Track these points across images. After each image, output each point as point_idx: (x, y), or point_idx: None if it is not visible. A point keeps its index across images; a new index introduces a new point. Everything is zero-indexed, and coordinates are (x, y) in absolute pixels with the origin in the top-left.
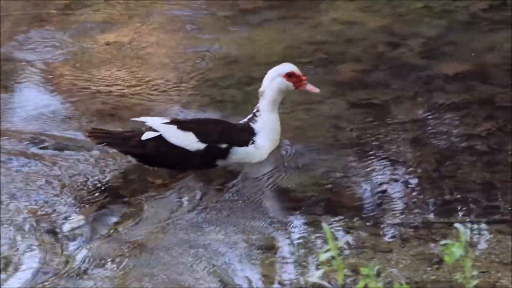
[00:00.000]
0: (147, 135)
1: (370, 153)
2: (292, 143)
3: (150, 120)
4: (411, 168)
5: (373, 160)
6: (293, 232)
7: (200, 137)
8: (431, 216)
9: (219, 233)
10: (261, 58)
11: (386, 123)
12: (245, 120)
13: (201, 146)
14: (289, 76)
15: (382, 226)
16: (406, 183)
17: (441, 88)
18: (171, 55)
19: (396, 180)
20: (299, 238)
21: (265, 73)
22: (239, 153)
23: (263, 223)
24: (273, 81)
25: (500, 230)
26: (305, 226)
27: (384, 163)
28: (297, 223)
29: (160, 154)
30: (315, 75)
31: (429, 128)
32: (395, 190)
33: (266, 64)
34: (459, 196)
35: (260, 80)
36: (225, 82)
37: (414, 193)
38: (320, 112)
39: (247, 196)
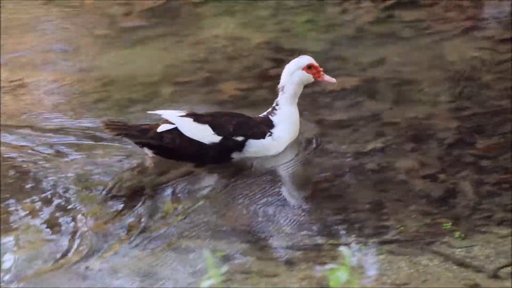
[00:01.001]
0: (163, 128)
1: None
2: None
3: (166, 113)
4: (299, 189)
5: (260, 181)
6: None
7: (216, 130)
8: (319, 237)
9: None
10: (141, 78)
11: None
12: (265, 113)
13: (217, 138)
14: (309, 68)
15: (269, 249)
16: (293, 204)
17: (328, 105)
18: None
19: (283, 201)
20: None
21: (146, 94)
22: (255, 146)
23: None
24: (294, 74)
25: (391, 251)
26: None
27: (270, 184)
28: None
29: (176, 147)
30: (198, 94)
31: (317, 146)
32: (283, 212)
33: (146, 84)
34: (348, 216)
35: (140, 101)
36: (101, 105)
37: (303, 214)
38: None
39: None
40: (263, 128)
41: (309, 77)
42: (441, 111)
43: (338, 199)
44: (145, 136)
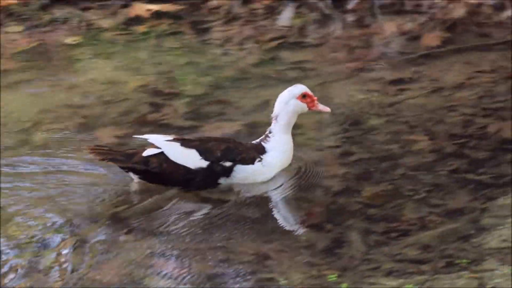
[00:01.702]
0: (149, 152)
1: None
2: None
3: (152, 137)
4: (176, 241)
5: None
6: None
7: (203, 155)
8: None
9: None
10: (12, 124)
11: None
12: (257, 140)
13: (204, 163)
14: (303, 97)
15: None
16: (170, 256)
17: None
18: None
19: (161, 254)
20: None
21: (16, 142)
22: (243, 172)
23: None
24: (288, 103)
25: None
26: None
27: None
28: None
29: (162, 171)
30: (72, 141)
31: None
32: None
33: (17, 131)
34: (230, 267)
35: (9, 148)
36: None
37: (183, 267)
38: (73, 180)
39: None
40: (253, 153)
41: (303, 106)
42: (327, 157)
43: (220, 250)
44: (130, 160)
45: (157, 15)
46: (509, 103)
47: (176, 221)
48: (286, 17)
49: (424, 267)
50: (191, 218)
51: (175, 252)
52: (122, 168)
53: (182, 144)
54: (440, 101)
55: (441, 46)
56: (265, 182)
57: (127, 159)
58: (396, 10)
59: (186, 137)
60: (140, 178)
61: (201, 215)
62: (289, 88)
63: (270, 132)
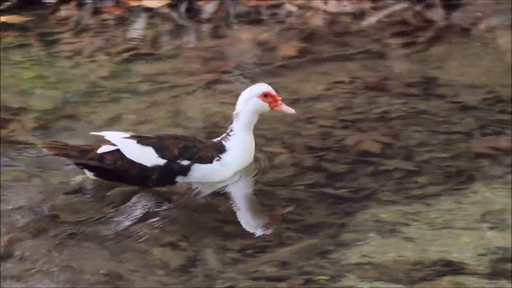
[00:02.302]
0: (104, 149)
1: None
2: None
3: (109, 134)
4: None
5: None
6: None
7: (160, 153)
8: None
9: None
10: None
11: None
12: (218, 138)
13: (161, 161)
14: (265, 96)
15: None
16: None
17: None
18: None
19: None
20: None
21: None
22: (201, 171)
23: None
24: (249, 102)
25: None
26: None
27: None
28: None
29: (117, 169)
30: None
31: None
32: None
33: None
34: None
35: None
36: None
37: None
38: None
39: None
40: (212, 152)
41: (264, 106)
42: None
43: (65, 271)
44: (85, 157)
45: (3, 27)
46: (368, 114)
47: None
48: (138, 28)
49: (281, 285)
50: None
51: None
52: (76, 164)
53: (138, 142)
54: (298, 113)
55: (298, 57)
56: (223, 181)
57: (81, 155)
58: (252, 19)
59: (144, 134)
60: (95, 175)
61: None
62: (251, 87)
63: (231, 131)
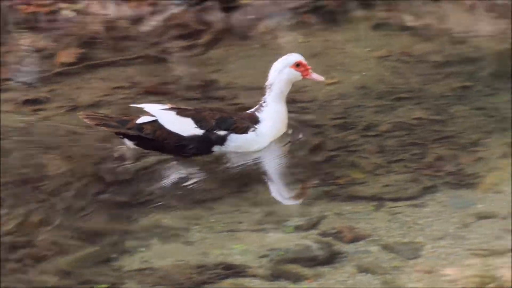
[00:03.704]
0: (143, 119)
1: None
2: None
3: (148, 106)
4: None
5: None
6: None
7: (198, 123)
8: None
9: None
10: None
11: None
12: (252, 110)
13: (199, 132)
14: (297, 65)
15: None
16: None
17: None
18: None
19: None
20: None
21: None
22: (237, 140)
23: None
24: (282, 72)
25: None
26: None
27: None
28: None
29: (156, 138)
30: None
31: None
32: None
33: None
34: None
35: None
36: None
37: None
38: None
39: None
40: (247, 123)
41: (297, 75)
42: None
43: None
44: (124, 126)
45: None
46: None
47: None
48: None
49: None
50: None
51: None
52: (116, 134)
53: (178, 113)
54: (78, 120)
55: (77, 63)
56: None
57: (121, 125)
58: (30, 26)
59: (182, 106)
60: (134, 144)
61: None
62: (283, 57)
63: (264, 102)
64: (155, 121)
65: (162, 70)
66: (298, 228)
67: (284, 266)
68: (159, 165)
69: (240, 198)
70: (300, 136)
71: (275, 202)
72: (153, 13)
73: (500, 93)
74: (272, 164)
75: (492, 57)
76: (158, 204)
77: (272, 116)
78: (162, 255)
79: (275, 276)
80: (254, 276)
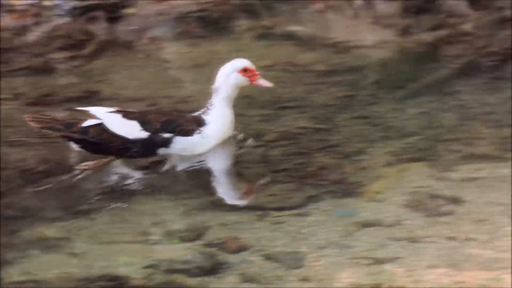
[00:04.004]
0: (88, 122)
1: None
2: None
3: (94, 109)
4: None
5: None
6: None
7: (144, 126)
8: None
9: None
10: None
11: None
12: (198, 112)
13: (144, 134)
14: (244, 70)
15: None
16: None
17: None
18: None
19: None
20: None
21: None
22: (182, 143)
23: None
24: (229, 76)
25: None
26: None
27: None
28: None
29: (101, 141)
30: None
31: None
32: None
33: None
34: None
35: None
36: None
37: None
38: None
39: None
40: (192, 126)
41: (244, 80)
42: None
43: None
44: (69, 130)
45: None
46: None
47: None
48: None
49: None
50: None
51: None
52: (62, 137)
53: (123, 116)
54: None
55: None
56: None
57: (66, 128)
58: None
59: (128, 109)
60: (80, 147)
61: None
62: (231, 62)
63: (210, 105)
64: (100, 124)
65: (47, 81)
66: (183, 239)
67: (168, 276)
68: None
69: (125, 209)
70: None
71: (161, 212)
72: (37, 24)
73: (384, 102)
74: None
75: (375, 66)
76: (40, 215)
77: (218, 119)
78: (46, 267)
79: (160, 287)
80: (138, 287)
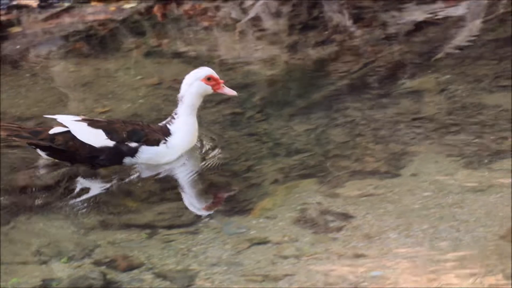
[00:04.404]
0: (55, 130)
1: None
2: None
3: (61, 117)
4: None
5: None
6: None
7: (109, 135)
8: None
9: None
10: None
11: None
12: (163, 122)
13: (110, 143)
14: (208, 79)
15: None
16: None
17: None
18: None
19: None
20: None
21: None
22: (148, 152)
23: None
24: (192, 85)
25: None
26: None
27: None
28: None
29: (68, 149)
30: None
31: None
32: None
33: None
34: None
35: None
36: None
37: None
38: None
39: None
40: (158, 135)
41: (207, 88)
42: None
43: None
44: (37, 137)
45: None
46: None
47: None
48: None
49: None
50: None
51: None
52: (29, 144)
53: (89, 124)
54: None
55: None
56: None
57: (33, 135)
58: None
59: (94, 118)
60: (46, 154)
61: None
62: (195, 70)
63: (175, 114)
64: (68, 132)
65: None
66: (72, 258)
67: None
68: None
69: (16, 229)
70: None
71: (50, 232)
72: None
73: (272, 119)
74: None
75: (263, 83)
76: None
77: (182, 129)
78: None
79: None
80: None
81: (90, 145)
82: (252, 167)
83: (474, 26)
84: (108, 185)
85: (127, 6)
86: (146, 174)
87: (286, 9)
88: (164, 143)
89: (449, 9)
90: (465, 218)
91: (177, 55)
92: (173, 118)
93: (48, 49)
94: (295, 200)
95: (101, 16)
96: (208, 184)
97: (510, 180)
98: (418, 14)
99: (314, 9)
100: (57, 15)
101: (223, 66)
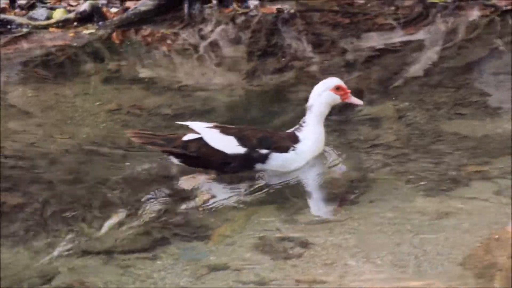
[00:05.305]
0: (188, 137)
1: None
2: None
3: (193, 124)
4: None
5: None
6: None
7: (240, 141)
8: None
9: None
10: None
11: None
12: (292, 129)
13: (241, 150)
14: (337, 89)
15: None
16: None
17: None
18: None
19: None
20: None
21: None
22: (278, 159)
23: None
24: (321, 95)
25: None
26: None
27: None
28: None
29: (201, 156)
30: None
31: None
32: None
33: None
34: None
35: None
36: None
37: None
38: None
39: None
40: (287, 142)
41: (336, 98)
42: None
43: None
44: (170, 145)
45: None
46: None
47: None
48: None
49: None
50: None
51: None
52: (163, 151)
53: (221, 131)
54: None
55: None
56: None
57: (167, 143)
58: None
59: (225, 125)
60: (180, 161)
61: None
62: (324, 81)
63: (303, 122)
64: (200, 139)
65: None
66: (31, 285)
67: None
68: None
69: None
70: None
71: (8, 258)
72: None
73: None
74: None
75: (221, 109)
76: None
77: (311, 136)
78: None
79: None
80: None
81: (222, 152)
82: None
83: (433, 53)
84: None
85: (85, 32)
86: (272, 181)
87: (245, 35)
88: (293, 150)
89: (408, 37)
90: (424, 245)
91: (136, 81)
92: (301, 126)
93: (6, 74)
94: (254, 226)
95: (60, 42)
96: (164, 209)
97: (468, 207)
98: (377, 41)
99: (272, 36)
100: (15, 40)
101: (182, 92)
